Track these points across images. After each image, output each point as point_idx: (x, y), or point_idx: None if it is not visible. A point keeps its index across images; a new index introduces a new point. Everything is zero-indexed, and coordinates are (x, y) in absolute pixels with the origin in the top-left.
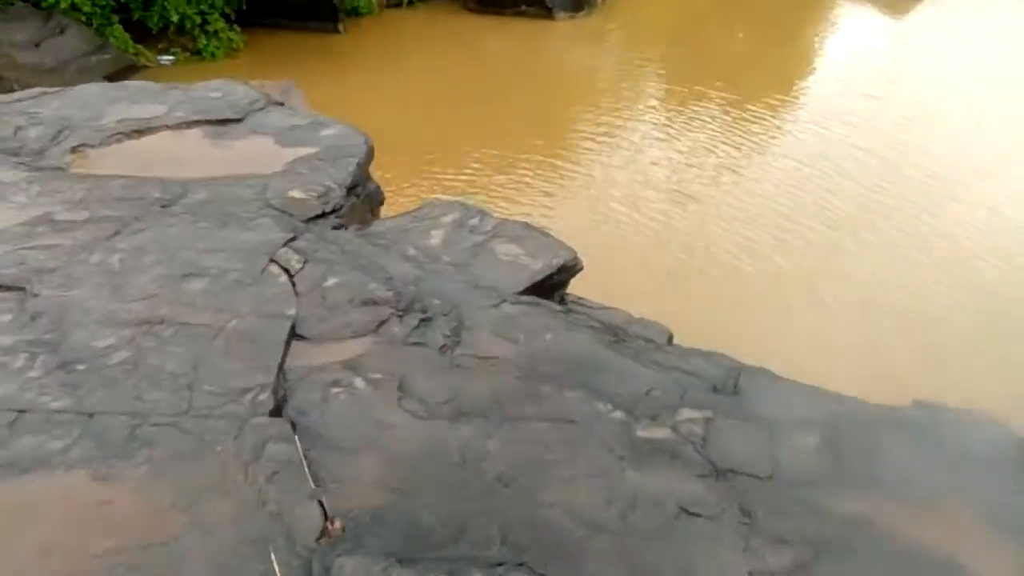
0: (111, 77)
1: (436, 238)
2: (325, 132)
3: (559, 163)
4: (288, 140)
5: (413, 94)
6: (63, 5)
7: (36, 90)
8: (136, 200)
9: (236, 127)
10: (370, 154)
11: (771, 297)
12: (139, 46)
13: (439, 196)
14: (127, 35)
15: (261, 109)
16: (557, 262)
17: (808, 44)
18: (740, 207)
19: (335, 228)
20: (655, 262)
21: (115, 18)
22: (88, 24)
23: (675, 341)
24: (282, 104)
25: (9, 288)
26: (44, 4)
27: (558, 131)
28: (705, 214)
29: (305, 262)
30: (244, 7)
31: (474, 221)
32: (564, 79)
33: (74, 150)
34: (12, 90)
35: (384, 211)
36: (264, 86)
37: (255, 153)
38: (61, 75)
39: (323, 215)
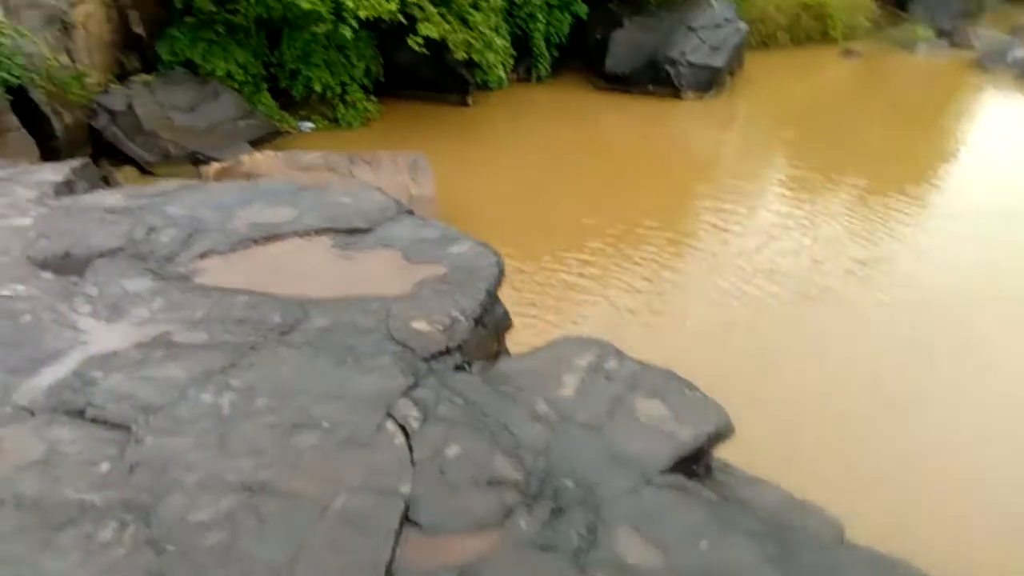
0: (255, 142)
1: (569, 387)
2: (455, 249)
3: (682, 248)
4: (416, 255)
5: (536, 168)
6: (219, 73)
7: (176, 183)
8: (255, 324)
9: (364, 237)
10: (500, 276)
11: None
12: (283, 112)
13: (573, 335)
14: (274, 102)
15: (391, 218)
16: (707, 430)
17: (949, 133)
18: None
19: (458, 367)
20: (791, 392)
21: (264, 86)
22: (240, 91)
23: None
24: (412, 212)
25: (115, 426)
26: (202, 72)
27: (680, 213)
28: (847, 318)
29: (425, 419)
30: (382, 79)
31: (611, 364)
32: (689, 159)
33: (202, 256)
34: (167, 152)
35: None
36: (396, 157)
37: (381, 269)
38: (211, 137)
39: (447, 351)
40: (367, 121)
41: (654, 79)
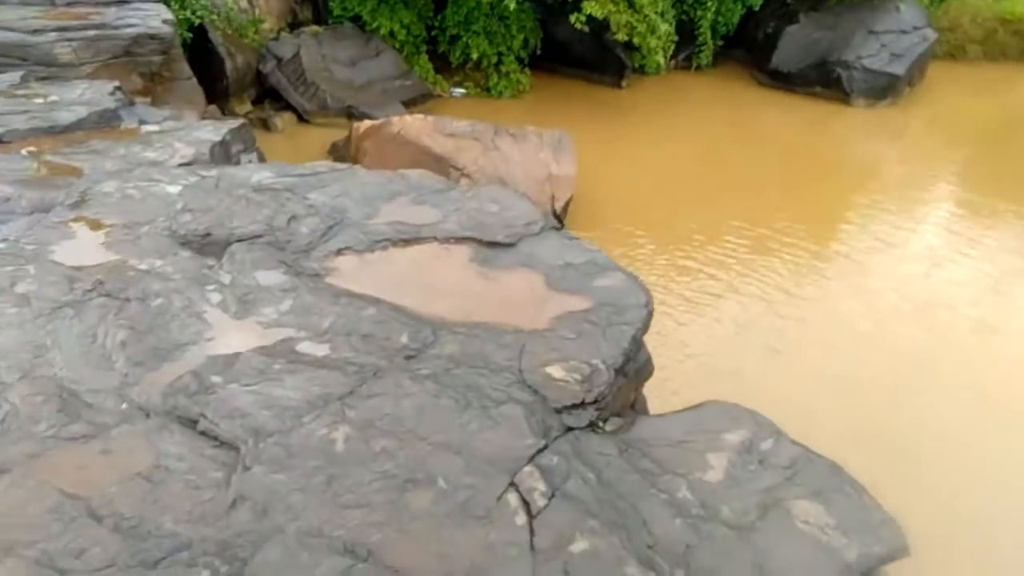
0: (408, 102)
1: (716, 469)
2: (602, 281)
3: (822, 262)
4: (558, 283)
5: (683, 160)
6: (383, 31)
7: (324, 164)
8: (382, 343)
9: (506, 253)
10: (649, 319)
11: None
12: (438, 76)
13: (723, 400)
14: (430, 65)
15: (537, 234)
16: (877, 550)
17: None
18: None
19: (593, 424)
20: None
21: (423, 48)
22: (400, 51)
23: None
24: (560, 228)
25: (225, 445)
26: (368, 28)
27: (827, 221)
28: None
29: (552, 495)
30: (538, 52)
31: (767, 446)
32: (851, 169)
33: (339, 252)
34: (325, 103)
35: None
36: (542, 134)
37: (520, 295)
38: (368, 93)
39: (582, 404)
40: (518, 93)
41: (823, 81)
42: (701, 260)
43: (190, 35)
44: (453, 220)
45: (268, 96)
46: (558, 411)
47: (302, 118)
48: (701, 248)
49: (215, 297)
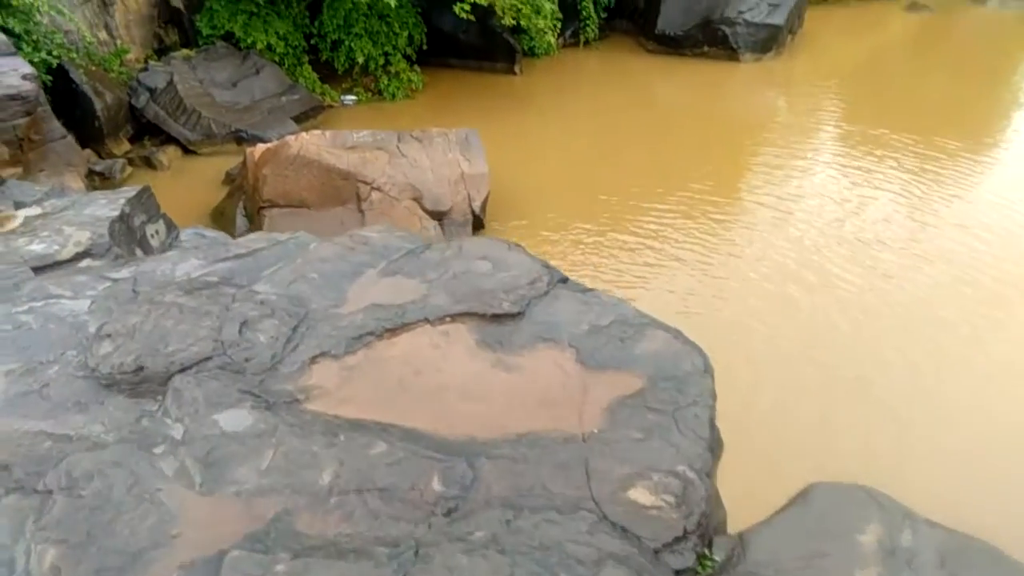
0: (298, 118)
1: None
2: (644, 345)
3: (746, 216)
4: (592, 356)
5: (587, 136)
6: (259, 46)
7: (261, 238)
8: (408, 499)
9: (517, 328)
10: (714, 387)
11: None
12: (325, 86)
13: (830, 482)
14: (315, 75)
15: (545, 293)
16: None
17: (1019, 88)
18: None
19: (700, 559)
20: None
21: (305, 59)
22: (280, 64)
23: None
24: (567, 280)
25: None
26: (242, 45)
27: (738, 177)
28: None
29: None
30: (424, 47)
31: (906, 539)
32: (745, 123)
33: (313, 361)
34: (210, 130)
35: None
36: (447, 134)
37: (553, 382)
38: (254, 114)
39: (684, 536)
40: (411, 92)
41: (709, 40)
42: (633, 233)
43: (49, 78)
44: (441, 292)
45: (146, 131)
46: (657, 552)
47: (187, 150)
48: (628, 221)
49: (169, 464)
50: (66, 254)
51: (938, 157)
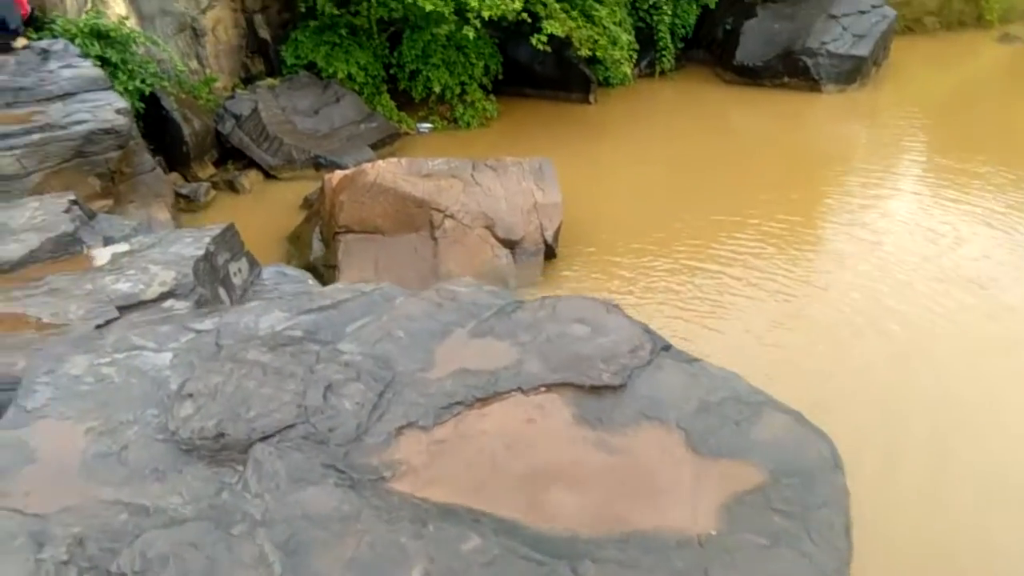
0: (375, 145)
1: None
2: (760, 431)
3: (829, 247)
4: (704, 441)
5: (661, 166)
6: (340, 75)
7: (346, 289)
8: None
9: (618, 402)
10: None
11: None
12: (402, 114)
13: None
14: (393, 103)
15: (648, 363)
16: None
17: None
18: None
19: None
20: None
21: (384, 88)
22: (360, 93)
23: None
24: (670, 348)
25: None
26: (324, 74)
27: (822, 209)
28: None
29: None
30: (500, 77)
31: None
32: (827, 154)
33: (399, 431)
34: (290, 156)
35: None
36: (521, 163)
37: (660, 469)
38: (333, 141)
39: None
40: (486, 121)
41: (790, 71)
42: (710, 261)
43: (142, 105)
44: (535, 357)
45: (230, 156)
46: None
47: (268, 175)
48: (704, 250)
49: (248, 550)
50: (151, 294)
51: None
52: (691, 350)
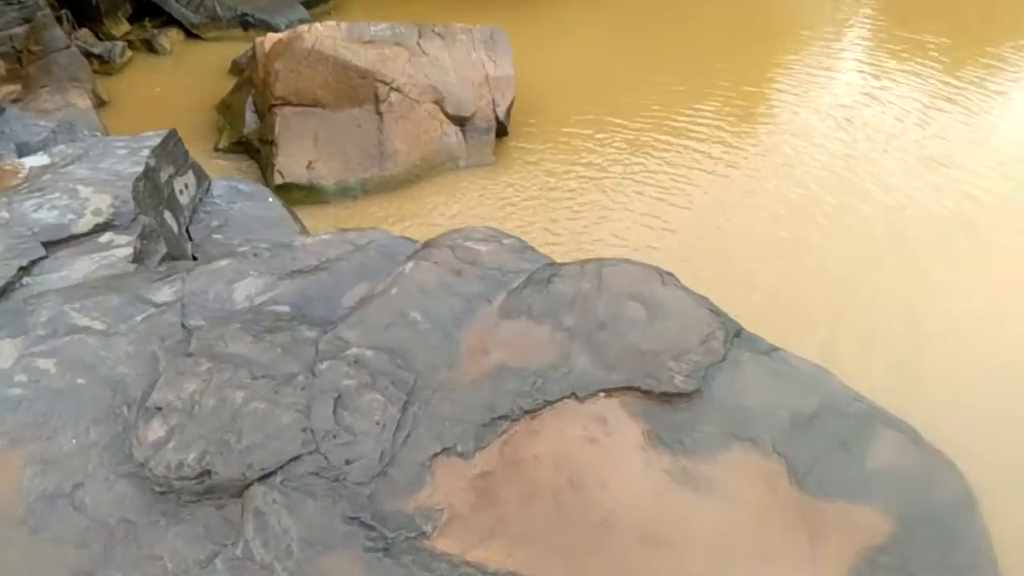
0: (308, 3)
1: None
2: (874, 455)
3: (779, 120)
4: (810, 473)
5: (616, 34)
6: None
7: (333, 239)
8: None
9: (696, 413)
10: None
11: None
12: None
13: None
14: None
15: (723, 358)
16: None
17: None
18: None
19: None
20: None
21: None
22: None
23: None
24: (740, 332)
25: None
26: None
27: (770, 83)
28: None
29: None
30: None
31: None
32: (789, 24)
33: (434, 461)
34: (215, 13)
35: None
36: (471, 30)
37: (764, 518)
38: None
39: None
40: None
41: None
42: (669, 133)
43: None
44: (585, 349)
45: (146, 12)
46: None
47: (190, 34)
48: (662, 122)
49: None
50: (84, 225)
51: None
52: (663, 229)
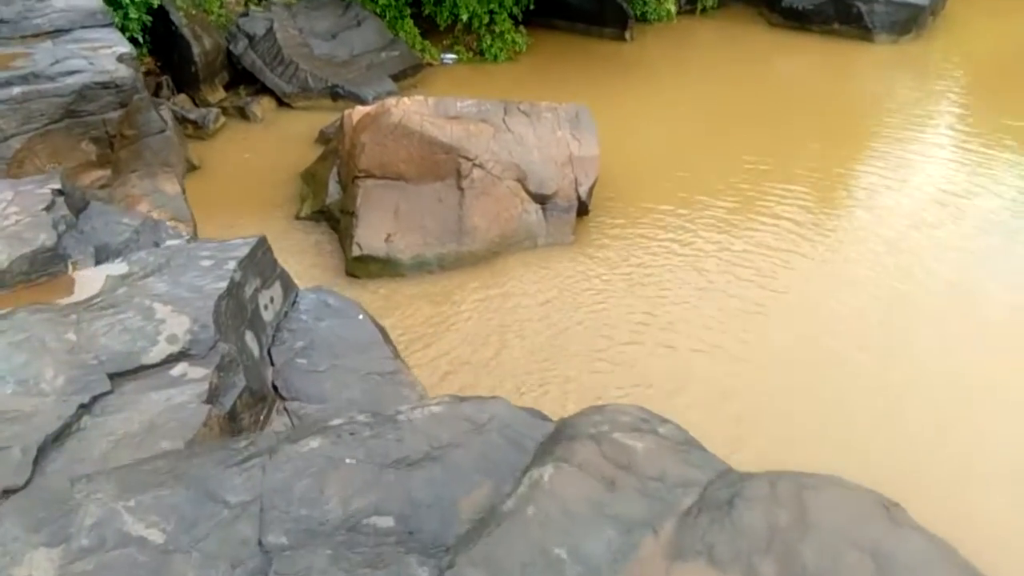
0: (396, 76)
1: None
2: None
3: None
4: None
5: (701, 114)
6: None
7: (444, 410)
8: None
9: None
10: None
11: None
12: (426, 42)
13: None
14: (416, 30)
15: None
16: None
17: None
18: None
19: None
20: None
21: (407, 12)
22: (382, 16)
23: None
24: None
25: None
26: None
27: (848, 170)
28: None
29: None
30: (531, 7)
31: None
32: (871, 112)
33: None
34: (306, 84)
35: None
36: (557, 109)
37: None
38: (351, 68)
39: None
40: (514, 55)
41: (842, 17)
42: (751, 221)
43: (149, 19)
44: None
45: (242, 80)
46: None
47: (282, 102)
48: (744, 208)
49: None
50: (156, 355)
51: None
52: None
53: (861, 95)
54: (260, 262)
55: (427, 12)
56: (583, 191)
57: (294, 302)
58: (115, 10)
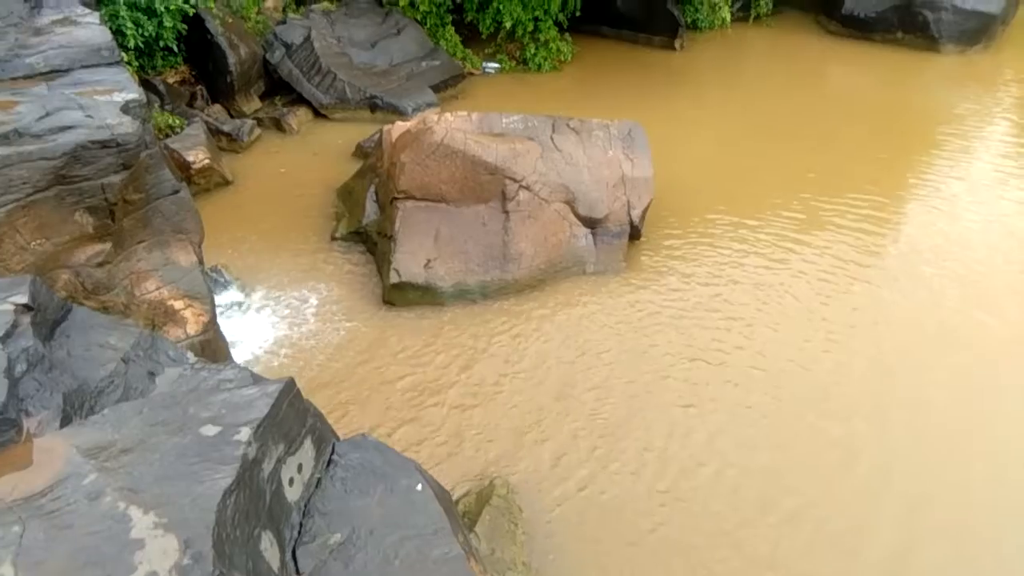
0: (437, 87)
1: None
2: None
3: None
4: None
5: (757, 128)
6: (402, 3)
7: None
8: None
9: None
10: None
11: None
12: (467, 51)
13: None
14: (457, 37)
15: None
16: None
17: None
18: None
19: None
20: None
21: (449, 19)
22: (422, 23)
23: None
24: None
25: None
26: (385, 1)
27: (906, 188)
28: None
29: None
30: (577, 13)
31: None
32: (935, 128)
33: None
34: (344, 95)
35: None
36: (608, 126)
37: None
38: (390, 79)
39: None
40: (559, 64)
41: (906, 25)
42: (810, 245)
43: (184, 27)
44: None
45: (278, 89)
46: None
47: (318, 113)
48: (803, 230)
49: None
50: None
51: None
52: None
53: (928, 108)
54: (285, 418)
55: (469, 19)
56: (636, 215)
57: (329, 460)
58: (150, 19)
